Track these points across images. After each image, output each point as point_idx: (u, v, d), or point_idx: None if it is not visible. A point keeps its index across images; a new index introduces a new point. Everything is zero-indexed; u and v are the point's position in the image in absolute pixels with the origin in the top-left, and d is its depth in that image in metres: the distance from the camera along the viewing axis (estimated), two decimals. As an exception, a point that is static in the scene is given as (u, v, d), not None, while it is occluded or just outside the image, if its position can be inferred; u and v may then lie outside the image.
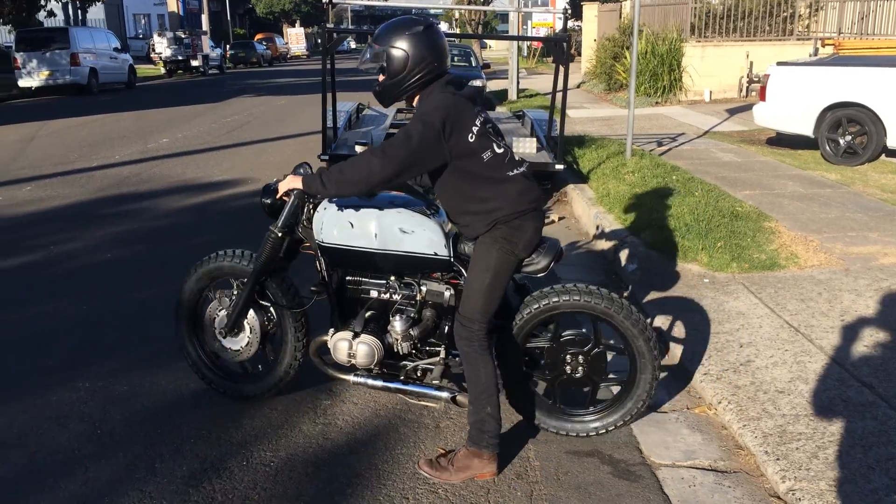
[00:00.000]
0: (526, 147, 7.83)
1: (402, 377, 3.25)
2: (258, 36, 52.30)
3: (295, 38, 62.43)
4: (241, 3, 65.33)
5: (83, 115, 16.06)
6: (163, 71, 33.99)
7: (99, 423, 3.38)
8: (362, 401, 3.59)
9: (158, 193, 8.13)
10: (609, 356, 3.21)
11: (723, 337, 4.04)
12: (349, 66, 43.96)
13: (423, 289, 3.17)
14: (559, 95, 7.83)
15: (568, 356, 3.18)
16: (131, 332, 4.38)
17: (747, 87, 16.11)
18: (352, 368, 3.26)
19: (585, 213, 6.98)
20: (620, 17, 23.43)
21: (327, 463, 3.09)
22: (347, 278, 3.29)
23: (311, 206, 3.26)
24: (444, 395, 3.16)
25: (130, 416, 3.44)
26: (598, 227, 6.33)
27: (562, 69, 7.50)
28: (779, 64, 9.68)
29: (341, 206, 3.16)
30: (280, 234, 3.22)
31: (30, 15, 25.03)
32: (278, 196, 3.19)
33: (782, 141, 10.06)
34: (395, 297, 3.20)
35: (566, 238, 6.55)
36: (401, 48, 2.87)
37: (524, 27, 68.49)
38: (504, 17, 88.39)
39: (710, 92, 16.40)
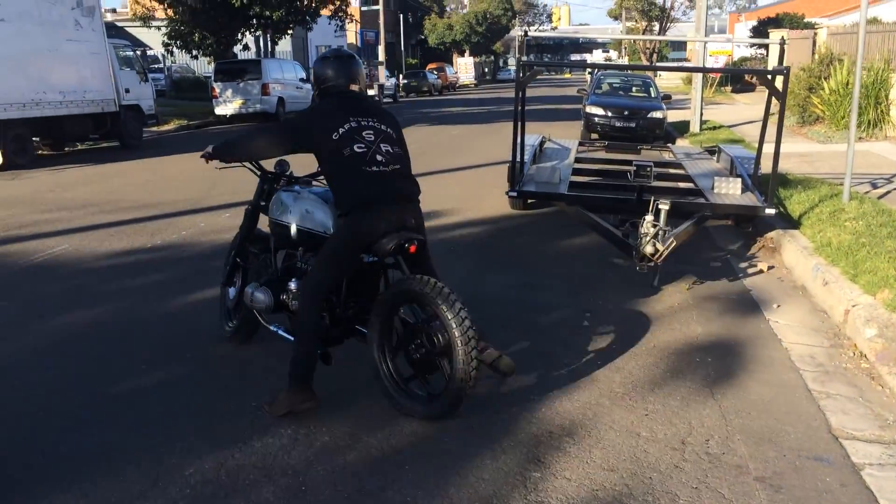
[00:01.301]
0: (730, 188, 7.24)
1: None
2: (430, 65, 53.75)
3: (464, 68, 63.75)
4: (414, 34, 67.64)
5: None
6: (341, 99, 35.52)
7: (303, 476, 3.25)
8: (576, 476, 3.25)
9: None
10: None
11: None
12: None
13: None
14: (763, 131, 7.21)
15: (412, 338, 3.70)
16: (331, 371, 4.29)
17: (970, 122, 14.40)
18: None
19: (801, 264, 6.28)
20: (814, 44, 21.85)
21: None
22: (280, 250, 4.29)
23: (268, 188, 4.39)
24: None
25: (334, 471, 3.29)
26: (824, 282, 5.64)
27: (774, 102, 6.89)
28: None
29: (282, 190, 4.25)
30: (251, 208, 4.51)
31: (227, 48, 26.96)
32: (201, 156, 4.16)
33: None
34: (300, 264, 4.12)
35: (780, 291, 5.91)
36: (315, 69, 3.95)
37: (697, 58, 65.99)
38: (675, 45, 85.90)
39: (925, 127, 14.81)
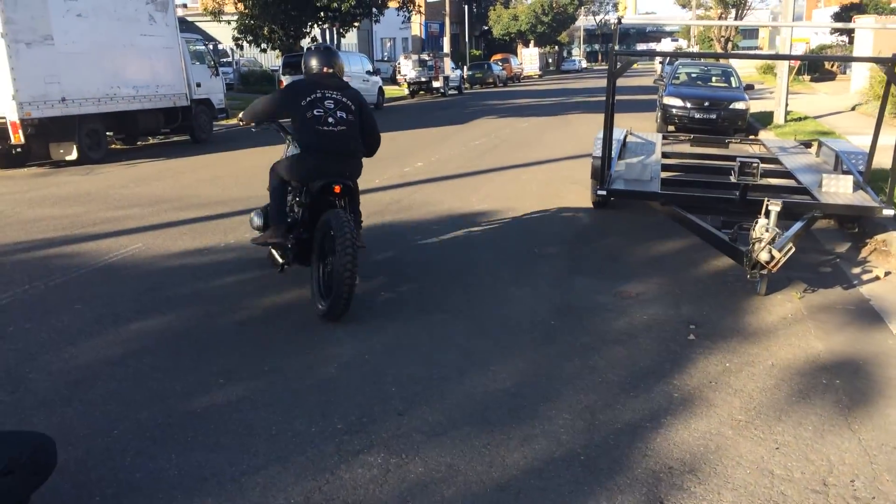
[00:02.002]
0: (840, 186, 6.65)
1: None
2: (495, 57, 53.18)
3: (529, 59, 62.91)
4: (479, 25, 67.01)
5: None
6: (406, 92, 35.40)
7: (397, 515, 2.91)
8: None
9: (422, 224, 7.91)
10: None
11: None
12: (586, 84, 43.19)
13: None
14: (879, 123, 6.58)
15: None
16: (424, 393, 3.95)
17: None
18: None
19: (926, 272, 5.68)
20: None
21: None
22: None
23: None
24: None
25: (430, 510, 2.94)
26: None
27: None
28: None
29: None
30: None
31: (296, 41, 27.00)
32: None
33: None
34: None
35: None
36: (303, 58, 5.56)
37: (773, 43, 63.62)
38: (746, 33, 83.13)
39: None
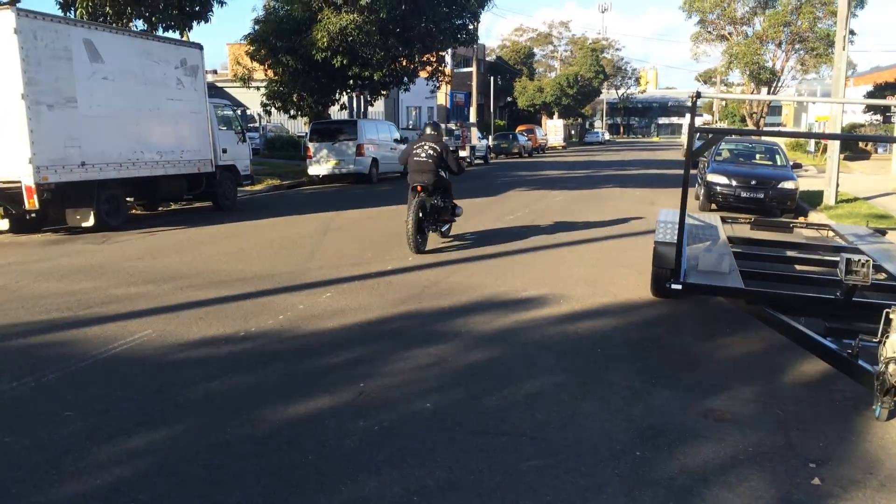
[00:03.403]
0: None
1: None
2: (520, 127, 53.15)
3: (553, 130, 62.96)
4: (503, 96, 67.46)
5: (370, 207, 16.14)
6: (432, 161, 35.05)
7: None
8: None
9: (463, 311, 7.07)
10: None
11: None
12: (612, 157, 42.81)
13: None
14: None
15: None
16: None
17: None
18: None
19: None
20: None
21: None
22: None
23: None
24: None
25: None
26: None
27: None
28: None
29: None
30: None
31: (325, 108, 26.78)
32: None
33: None
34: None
35: None
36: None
37: (797, 122, 63.42)
38: (770, 108, 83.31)
39: None
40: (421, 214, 9.86)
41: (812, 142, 34.50)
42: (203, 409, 4.67)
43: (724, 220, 9.56)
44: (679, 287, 5.83)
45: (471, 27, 27.19)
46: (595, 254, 10.26)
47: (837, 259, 8.04)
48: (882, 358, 4.23)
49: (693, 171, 23.81)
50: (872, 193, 17.89)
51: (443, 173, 10.35)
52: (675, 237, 6.84)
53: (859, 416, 4.68)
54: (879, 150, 34.17)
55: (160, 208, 16.11)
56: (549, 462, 3.99)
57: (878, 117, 35.84)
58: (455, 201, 10.91)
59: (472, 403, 4.79)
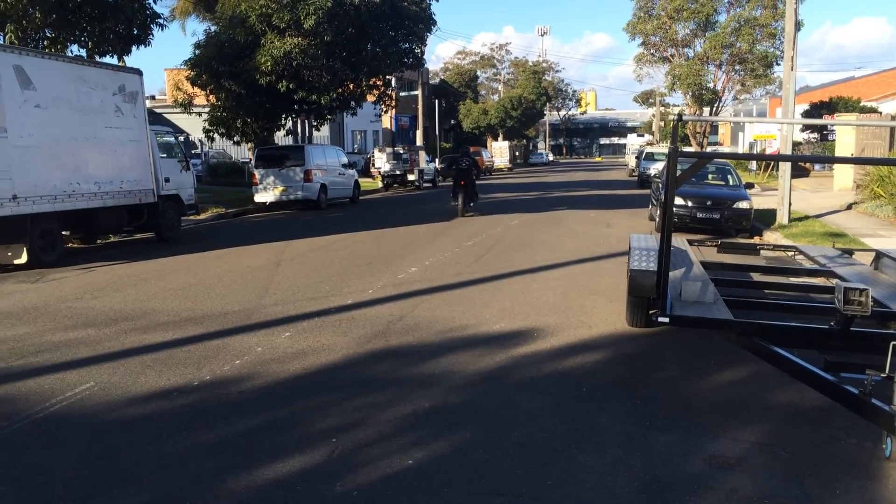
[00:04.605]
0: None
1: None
2: (467, 150, 53.04)
3: (499, 152, 63.12)
4: (448, 119, 67.49)
5: (322, 235, 15.60)
6: (380, 184, 34.66)
7: None
8: None
9: (434, 350, 6.64)
10: None
11: None
12: (558, 178, 42.93)
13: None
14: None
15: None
16: None
17: None
18: None
19: None
20: (892, 130, 20.32)
21: None
22: None
23: None
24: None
25: None
26: None
27: None
28: None
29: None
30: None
31: (270, 133, 26.16)
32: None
33: None
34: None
35: None
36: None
37: (734, 141, 64.82)
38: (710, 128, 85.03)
39: None
40: (462, 197, 19.42)
41: (754, 162, 35.14)
42: (156, 478, 4.13)
43: (690, 243, 9.36)
44: (666, 320, 5.51)
45: (417, 50, 26.96)
46: (561, 280, 9.95)
47: (819, 283, 7.94)
48: (897, 395, 3.97)
49: (646, 191, 23.91)
50: (822, 211, 18.11)
51: (473, 175, 20.40)
52: (654, 265, 6.56)
53: (868, 456, 4.41)
54: (817, 167, 35.01)
55: (99, 241, 15.29)
56: (554, 528, 3.58)
57: (815, 135, 36.79)
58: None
59: (458, 459, 4.36)
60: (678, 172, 5.90)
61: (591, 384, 5.73)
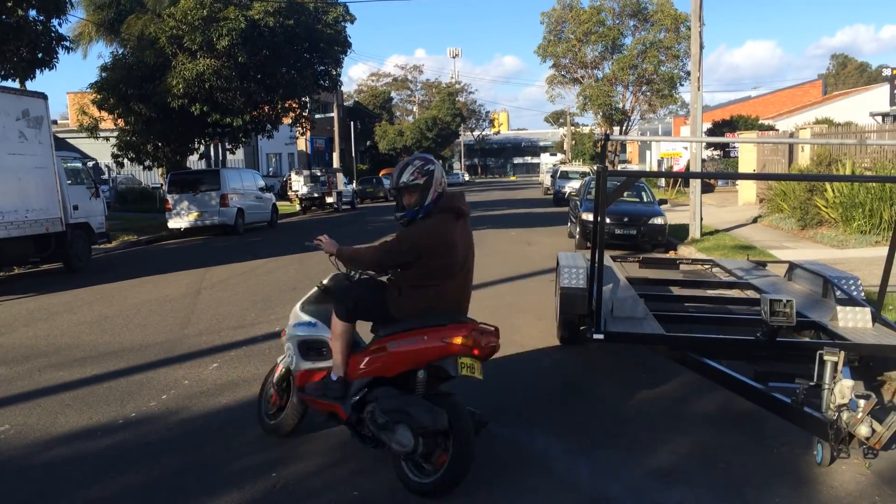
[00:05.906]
0: (858, 319, 5.85)
1: None
2: (384, 171, 53.04)
3: (416, 173, 63.38)
4: (364, 141, 67.41)
5: (242, 261, 15.22)
6: (298, 207, 34.22)
7: None
8: None
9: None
10: None
11: None
12: (476, 198, 43.43)
13: None
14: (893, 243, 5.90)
15: None
16: None
17: None
18: None
19: None
20: (800, 148, 21.34)
21: None
22: None
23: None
24: None
25: None
26: None
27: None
28: None
29: None
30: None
31: (183, 157, 25.50)
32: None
33: None
34: None
35: None
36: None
37: (641, 159, 67.01)
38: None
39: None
40: None
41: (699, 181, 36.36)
42: (86, 525, 3.89)
43: (613, 259, 9.57)
44: (601, 337, 5.59)
45: (333, 72, 26.87)
46: (489, 300, 9.98)
47: (738, 295, 8.22)
48: (831, 405, 4.12)
49: (562, 209, 24.41)
50: (730, 224, 18.88)
51: None
52: (585, 282, 6.68)
53: (801, 463, 4.56)
54: (721, 182, 36.58)
55: (2, 273, 14.48)
56: (508, 553, 3.55)
57: (719, 152, 38.45)
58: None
59: (402, 488, 4.28)
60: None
61: (527, 400, 5.76)
